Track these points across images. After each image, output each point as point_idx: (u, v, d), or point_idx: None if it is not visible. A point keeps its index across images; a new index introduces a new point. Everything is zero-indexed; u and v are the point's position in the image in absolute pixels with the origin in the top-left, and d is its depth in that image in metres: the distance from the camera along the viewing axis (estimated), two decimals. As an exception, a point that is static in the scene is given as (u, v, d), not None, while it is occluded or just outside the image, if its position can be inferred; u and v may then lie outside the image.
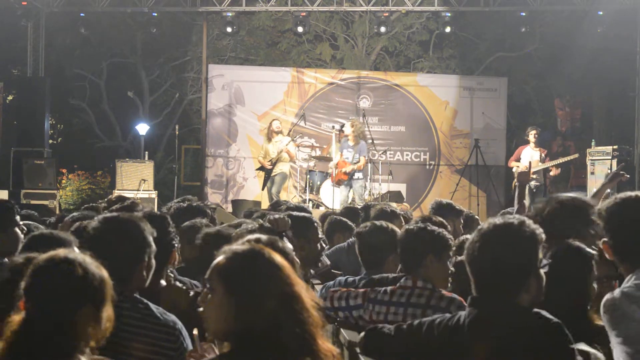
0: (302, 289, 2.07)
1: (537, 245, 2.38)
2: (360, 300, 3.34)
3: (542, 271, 2.42)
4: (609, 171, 11.68)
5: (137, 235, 2.67)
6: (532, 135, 12.04)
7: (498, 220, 2.44)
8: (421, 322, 2.51)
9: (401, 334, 2.53)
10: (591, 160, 12.32)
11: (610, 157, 11.87)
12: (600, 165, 12.10)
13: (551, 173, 12.02)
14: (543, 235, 2.41)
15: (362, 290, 3.40)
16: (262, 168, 12.27)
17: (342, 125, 12.55)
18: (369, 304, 3.31)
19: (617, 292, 2.48)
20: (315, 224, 3.96)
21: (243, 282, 2.03)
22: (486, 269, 2.38)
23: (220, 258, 2.09)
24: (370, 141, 12.81)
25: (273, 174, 12.18)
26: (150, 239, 2.70)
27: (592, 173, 12.26)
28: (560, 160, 12.24)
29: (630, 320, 2.40)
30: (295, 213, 4.05)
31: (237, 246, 2.12)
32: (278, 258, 2.09)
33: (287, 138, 12.26)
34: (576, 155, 13.02)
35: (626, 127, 15.21)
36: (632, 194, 2.63)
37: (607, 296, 2.48)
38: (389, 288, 3.31)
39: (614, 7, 13.50)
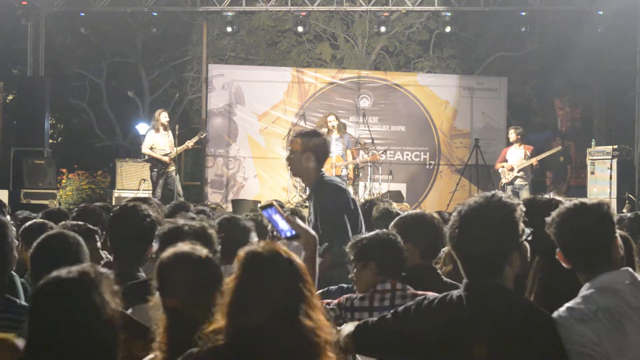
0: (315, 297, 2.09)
1: (516, 219, 2.36)
2: (337, 310, 3.32)
3: (525, 243, 2.40)
4: (609, 171, 11.72)
5: None
6: (511, 134, 12.03)
7: (474, 200, 2.41)
8: (407, 307, 2.47)
9: (390, 323, 2.48)
10: (591, 160, 12.32)
11: (610, 157, 11.87)
12: (600, 165, 12.10)
13: (533, 165, 11.88)
14: (522, 207, 2.39)
15: (336, 300, 3.39)
16: (151, 160, 11.66)
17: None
18: (346, 312, 3.29)
19: (563, 308, 2.43)
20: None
21: (257, 281, 2.04)
22: (470, 252, 2.37)
23: (243, 250, 2.12)
24: (369, 140, 12.86)
25: (169, 169, 11.69)
26: None
27: (592, 173, 12.27)
28: (544, 154, 12.15)
29: (571, 335, 2.35)
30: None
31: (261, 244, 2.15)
32: (301, 264, 2.11)
33: (171, 133, 11.77)
34: (559, 148, 12.99)
35: (626, 127, 15.21)
36: (577, 201, 2.58)
37: (555, 314, 2.43)
38: (364, 294, 3.30)
39: (614, 7, 13.48)
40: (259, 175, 14.33)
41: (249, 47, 18.87)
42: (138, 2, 14.17)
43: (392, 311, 2.53)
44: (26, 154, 13.13)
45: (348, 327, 2.63)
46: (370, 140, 12.85)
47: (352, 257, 3.38)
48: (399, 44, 18.42)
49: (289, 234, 2.91)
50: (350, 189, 12.10)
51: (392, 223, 3.77)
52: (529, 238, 2.41)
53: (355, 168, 12.34)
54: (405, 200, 12.69)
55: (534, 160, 11.71)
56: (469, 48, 18.53)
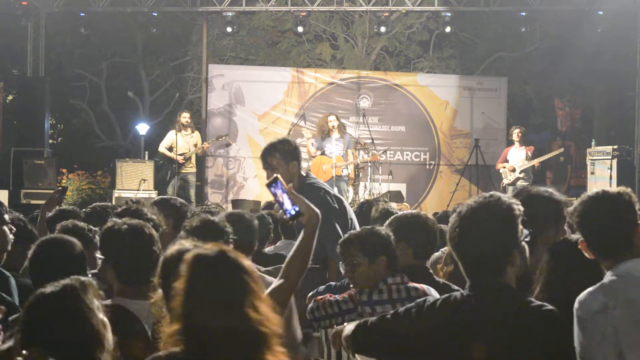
0: (263, 298, 2.08)
1: (515, 219, 2.37)
2: (351, 304, 3.29)
3: (523, 243, 2.43)
4: (609, 171, 11.72)
5: None
6: (515, 135, 12.07)
7: (474, 201, 2.43)
8: (408, 308, 2.48)
9: (390, 323, 2.49)
10: (591, 160, 12.31)
11: (610, 157, 11.87)
12: (600, 165, 12.10)
13: (535, 166, 11.95)
14: (521, 207, 2.40)
15: (345, 294, 3.35)
16: (165, 159, 11.86)
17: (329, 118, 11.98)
18: (365, 306, 3.25)
19: (584, 293, 2.45)
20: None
21: (205, 282, 2.04)
22: (471, 252, 2.38)
23: (190, 254, 2.12)
24: (369, 141, 12.85)
25: (184, 171, 11.85)
26: None
27: (592, 173, 12.26)
28: (546, 156, 12.19)
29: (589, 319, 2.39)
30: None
31: (207, 247, 2.15)
32: (246, 262, 2.10)
33: (196, 134, 12.03)
34: (561, 150, 13.01)
35: (626, 127, 15.22)
36: (599, 190, 2.61)
37: (579, 297, 2.45)
38: (380, 288, 3.28)
39: (614, 7, 13.49)
40: (259, 175, 14.30)
41: (249, 47, 18.88)
42: (138, 2, 14.16)
43: (392, 312, 2.54)
44: (26, 154, 13.12)
45: (348, 327, 2.63)
46: (370, 141, 12.84)
47: (351, 254, 3.36)
48: (399, 44, 18.42)
49: (293, 212, 2.88)
50: (351, 189, 12.11)
51: (387, 222, 3.76)
52: (527, 239, 2.42)
53: (355, 168, 12.33)
54: (405, 200, 12.69)
55: (536, 162, 11.74)
56: (469, 48, 18.54)
